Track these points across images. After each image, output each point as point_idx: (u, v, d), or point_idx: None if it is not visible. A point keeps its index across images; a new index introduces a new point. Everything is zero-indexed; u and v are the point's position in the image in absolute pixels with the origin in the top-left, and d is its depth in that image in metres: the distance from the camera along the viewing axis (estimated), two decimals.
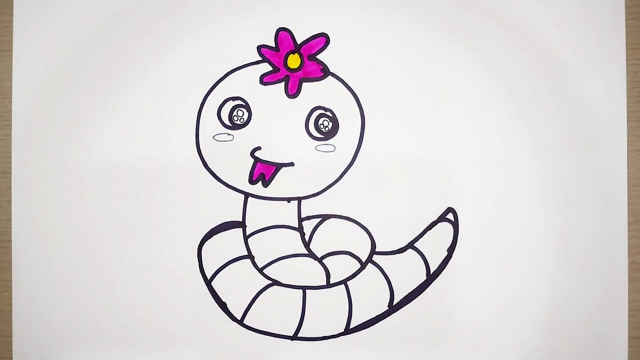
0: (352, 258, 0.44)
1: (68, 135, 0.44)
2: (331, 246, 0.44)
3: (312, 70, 0.44)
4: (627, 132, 0.44)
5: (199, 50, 0.44)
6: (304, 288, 0.44)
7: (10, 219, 0.44)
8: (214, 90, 0.44)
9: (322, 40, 0.44)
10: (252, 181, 0.44)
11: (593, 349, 0.43)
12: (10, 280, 0.44)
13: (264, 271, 0.44)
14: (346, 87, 0.44)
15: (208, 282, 0.44)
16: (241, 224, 0.44)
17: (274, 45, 0.44)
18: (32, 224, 0.44)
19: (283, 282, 0.44)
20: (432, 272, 0.44)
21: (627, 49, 0.44)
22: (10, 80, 0.44)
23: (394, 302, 0.44)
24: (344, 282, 0.44)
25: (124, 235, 0.44)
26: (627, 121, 0.44)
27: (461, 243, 0.44)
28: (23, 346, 0.44)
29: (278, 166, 0.44)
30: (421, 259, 0.44)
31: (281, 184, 0.44)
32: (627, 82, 0.44)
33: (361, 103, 0.44)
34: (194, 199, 0.44)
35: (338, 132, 0.44)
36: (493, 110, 0.44)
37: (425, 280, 0.44)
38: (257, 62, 0.44)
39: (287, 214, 0.44)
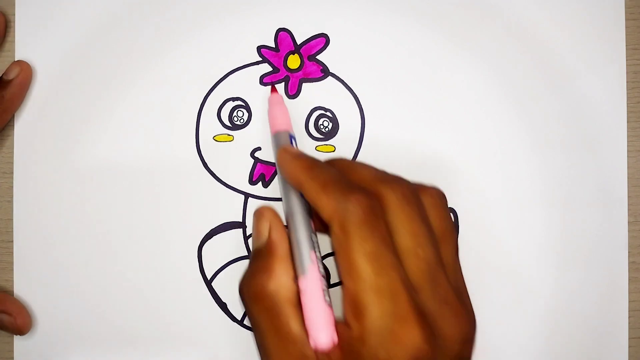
0: None
1: (69, 136, 0.44)
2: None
3: (312, 70, 0.44)
4: (627, 132, 0.44)
5: (199, 51, 0.44)
6: None
7: (11, 219, 0.44)
8: (213, 91, 0.44)
9: (322, 40, 0.44)
10: (252, 182, 0.44)
11: (593, 349, 0.43)
12: (12, 281, 0.44)
13: None
14: (346, 88, 0.44)
15: (208, 283, 0.44)
16: (241, 225, 0.44)
17: (273, 46, 0.44)
18: (33, 224, 0.44)
19: None
20: None
21: (627, 49, 0.44)
22: None
23: None
24: None
25: (124, 235, 0.44)
26: (627, 121, 0.44)
27: (461, 243, 0.43)
28: (24, 346, 0.44)
29: None
30: None
31: None
32: (627, 82, 0.44)
33: (361, 103, 0.44)
34: (194, 200, 0.44)
35: (338, 132, 0.44)
36: (493, 110, 0.44)
37: None
38: (257, 63, 0.44)
39: None
